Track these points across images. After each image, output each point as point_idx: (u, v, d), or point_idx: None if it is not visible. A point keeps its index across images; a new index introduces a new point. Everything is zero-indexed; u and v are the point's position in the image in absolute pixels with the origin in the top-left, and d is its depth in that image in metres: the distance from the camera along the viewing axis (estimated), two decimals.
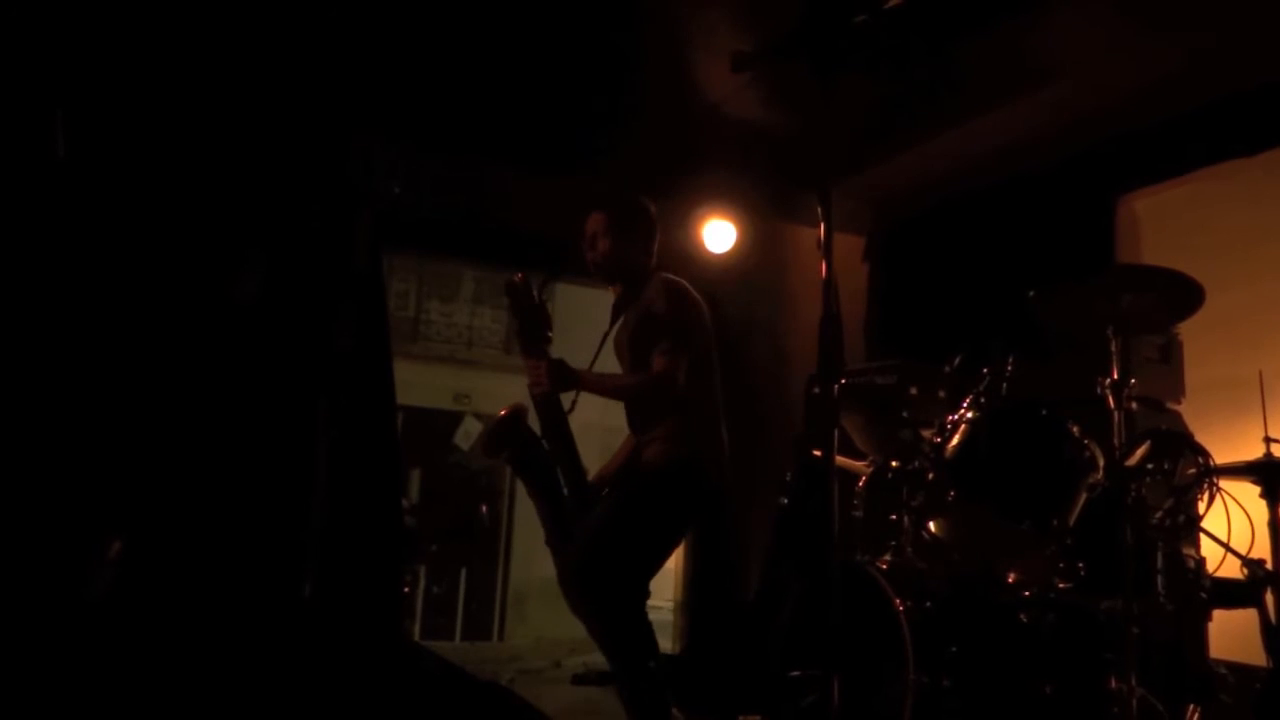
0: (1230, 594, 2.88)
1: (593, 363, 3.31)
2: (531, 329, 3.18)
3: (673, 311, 3.11)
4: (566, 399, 3.17)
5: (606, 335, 3.36)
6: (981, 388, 3.05)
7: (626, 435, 3.38)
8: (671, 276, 3.23)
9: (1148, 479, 2.78)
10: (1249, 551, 2.84)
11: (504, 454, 3.21)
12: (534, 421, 3.24)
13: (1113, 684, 2.53)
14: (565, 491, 3.12)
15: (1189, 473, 2.81)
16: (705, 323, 3.21)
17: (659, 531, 3.10)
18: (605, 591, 2.95)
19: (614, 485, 3.23)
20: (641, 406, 3.20)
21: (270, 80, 1.90)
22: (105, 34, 1.73)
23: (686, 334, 3.10)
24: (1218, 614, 2.93)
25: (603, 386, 3.18)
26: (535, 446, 3.16)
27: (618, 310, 3.33)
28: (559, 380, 3.11)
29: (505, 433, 3.19)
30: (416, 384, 10.44)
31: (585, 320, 3.38)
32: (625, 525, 3.03)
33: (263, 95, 1.89)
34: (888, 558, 3.04)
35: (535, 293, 3.21)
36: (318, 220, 1.92)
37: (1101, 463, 2.86)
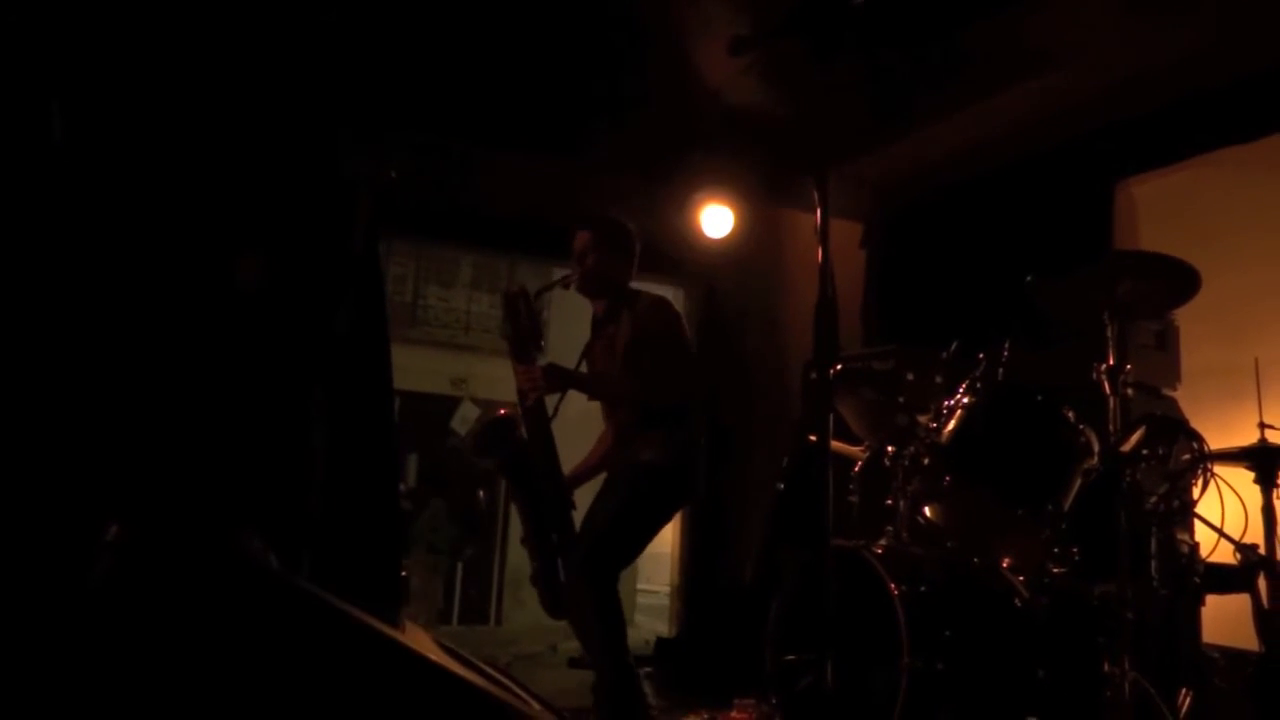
0: (1224, 579, 2.89)
1: (575, 368, 3.42)
2: (524, 338, 3.28)
3: (671, 331, 3.29)
4: (550, 404, 3.28)
5: (586, 350, 3.46)
6: (978, 373, 3.06)
7: (600, 435, 3.50)
8: (656, 296, 3.38)
9: (1142, 464, 2.78)
10: (1242, 537, 2.85)
11: (493, 460, 3.30)
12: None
13: (1106, 668, 2.54)
14: (544, 500, 3.22)
15: (1184, 458, 2.82)
16: (690, 341, 3.41)
17: (651, 527, 3.25)
18: (606, 584, 3.07)
19: (608, 485, 3.31)
20: (637, 412, 3.31)
21: (267, 66, 1.90)
22: (101, 21, 1.73)
23: (681, 354, 3.30)
24: (1211, 599, 2.94)
25: (596, 387, 3.36)
26: (524, 455, 3.24)
27: (599, 324, 3.44)
28: (556, 381, 3.23)
29: (497, 438, 3.28)
30: (414, 369, 10.44)
31: (580, 320, 3.47)
32: (631, 523, 3.17)
33: (259, 81, 1.88)
34: (883, 542, 3.05)
35: (532, 303, 3.32)
36: (314, 205, 1.92)
37: (1097, 448, 2.87)
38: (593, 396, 3.39)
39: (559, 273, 3.54)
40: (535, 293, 3.37)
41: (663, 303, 3.33)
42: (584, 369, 3.44)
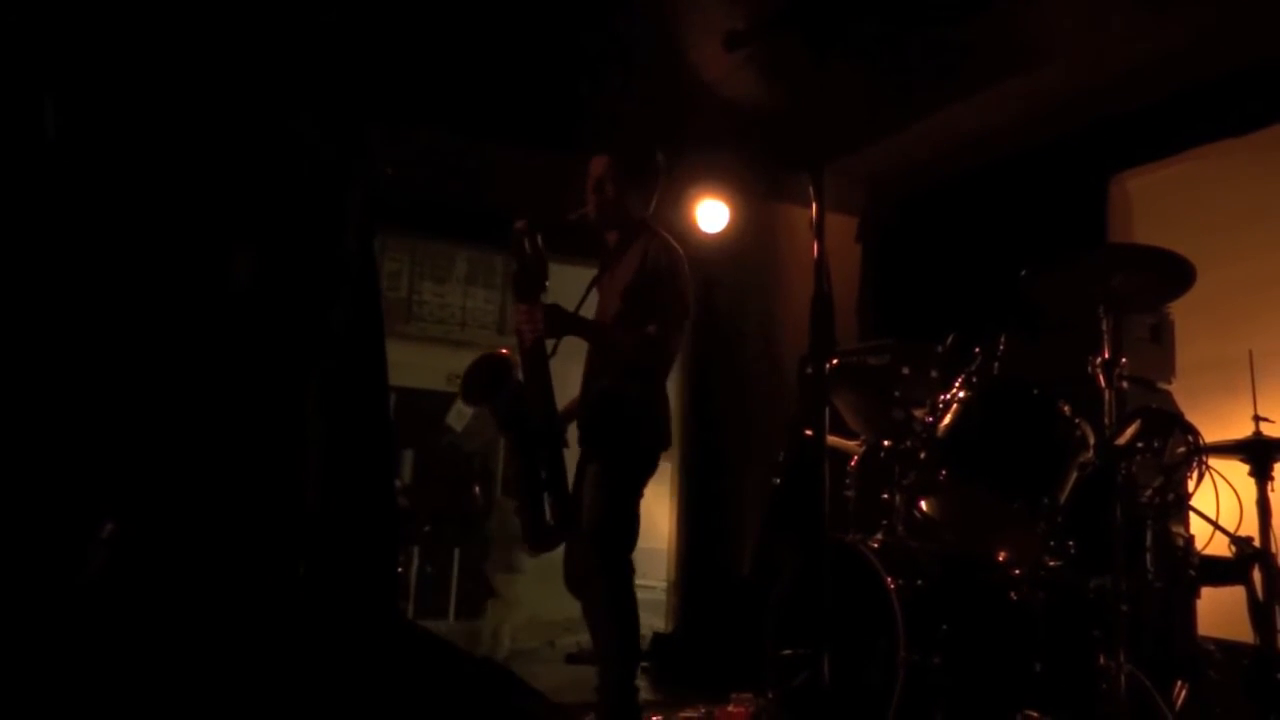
0: (1218, 571, 2.91)
1: (578, 308, 3.30)
2: (529, 276, 3.14)
3: (675, 282, 3.17)
4: (549, 343, 3.16)
5: (594, 281, 3.35)
6: (973, 367, 3.06)
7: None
8: (671, 240, 3.24)
9: (1138, 457, 2.79)
10: (1237, 529, 2.86)
11: (486, 406, 3.18)
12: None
13: (1102, 661, 2.54)
14: (537, 438, 3.11)
15: (1179, 451, 2.83)
16: (691, 294, 3.27)
17: (637, 483, 3.14)
18: (622, 575, 3.03)
19: (586, 453, 3.21)
20: (619, 361, 3.20)
21: (261, 61, 1.89)
22: (94, 16, 1.72)
23: (682, 306, 3.18)
24: (1206, 591, 2.95)
25: (597, 335, 3.21)
26: (519, 400, 3.13)
27: (608, 258, 3.33)
28: (556, 324, 3.10)
29: (491, 382, 3.15)
30: (409, 365, 10.41)
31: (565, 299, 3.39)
32: (619, 494, 3.08)
33: (253, 77, 1.88)
34: (880, 537, 3.05)
35: (538, 241, 3.15)
36: (308, 202, 1.92)
37: (1092, 441, 2.87)
38: (589, 340, 3.25)
39: (553, 268, 3.42)
40: (541, 232, 3.17)
41: (670, 250, 3.20)
42: (594, 298, 3.34)
